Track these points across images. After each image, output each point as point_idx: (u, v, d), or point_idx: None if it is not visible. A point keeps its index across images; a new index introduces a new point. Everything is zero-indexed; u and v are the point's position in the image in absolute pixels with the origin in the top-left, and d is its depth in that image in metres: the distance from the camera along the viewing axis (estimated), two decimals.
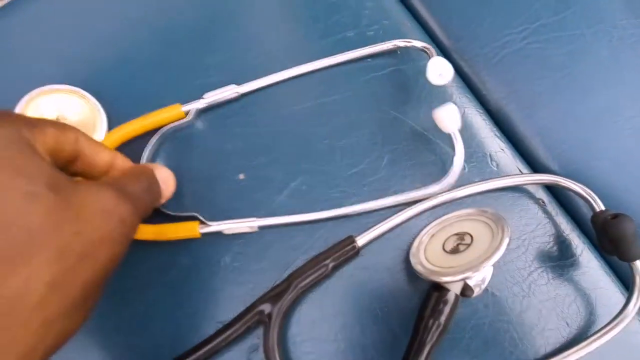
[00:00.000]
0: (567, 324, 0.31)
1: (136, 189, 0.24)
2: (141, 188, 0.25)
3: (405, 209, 0.32)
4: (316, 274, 0.30)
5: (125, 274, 0.31)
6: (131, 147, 0.33)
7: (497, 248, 0.26)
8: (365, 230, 0.31)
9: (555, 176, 0.33)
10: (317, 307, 0.30)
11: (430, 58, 0.33)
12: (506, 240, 0.27)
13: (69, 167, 0.24)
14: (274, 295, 0.29)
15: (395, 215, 0.32)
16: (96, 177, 0.25)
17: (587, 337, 0.29)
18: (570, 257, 0.32)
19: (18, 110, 0.31)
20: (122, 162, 0.26)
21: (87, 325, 0.29)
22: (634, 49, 0.37)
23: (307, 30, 0.37)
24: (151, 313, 0.30)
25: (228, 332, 0.28)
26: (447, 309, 0.28)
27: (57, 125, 0.22)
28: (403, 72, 0.36)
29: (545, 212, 0.33)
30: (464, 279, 0.27)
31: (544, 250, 0.32)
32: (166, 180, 0.28)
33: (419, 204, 0.32)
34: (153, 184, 0.26)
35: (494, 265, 0.29)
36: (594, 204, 0.31)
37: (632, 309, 0.29)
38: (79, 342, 0.30)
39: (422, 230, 0.32)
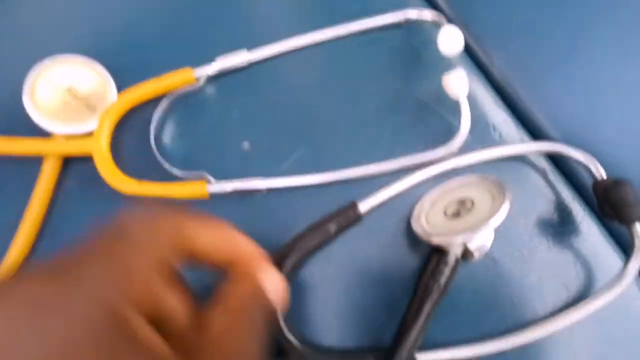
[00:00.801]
0: (567, 289, 0.31)
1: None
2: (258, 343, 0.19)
3: (407, 175, 0.32)
4: (318, 238, 0.30)
5: None
6: (141, 111, 0.33)
7: (497, 211, 0.26)
8: (367, 196, 0.31)
9: (558, 144, 0.32)
10: (320, 270, 0.31)
11: (440, 28, 0.33)
12: (506, 204, 0.27)
13: None
14: (277, 257, 0.29)
15: (398, 181, 0.32)
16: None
17: (587, 299, 0.29)
18: (571, 224, 0.32)
19: (30, 79, 0.31)
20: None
21: None
22: None
23: None
24: None
25: None
26: (447, 271, 0.28)
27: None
28: (408, 43, 0.36)
29: (547, 180, 0.33)
30: (463, 241, 0.27)
31: (545, 218, 0.32)
32: (277, 288, 0.22)
33: (421, 171, 0.32)
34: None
35: (495, 231, 0.29)
36: (595, 171, 0.31)
37: (631, 270, 0.29)
38: None
39: (423, 196, 0.32)
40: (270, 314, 0.21)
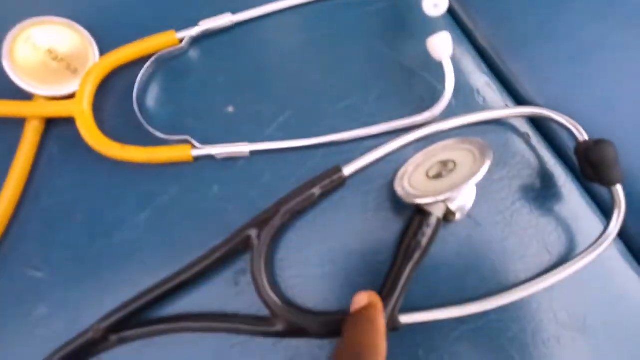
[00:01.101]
0: (548, 251, 0.31)
1: None
2: None
3: (392, 139, 0.32)
4: (303, 201, 0.30)
5: (115, 199, 0.32)
6: (124, 74, 0.33)
7: (478, 171, 0.26)
8: (352, 160, 0.31)
9: (540, 108, 0.32)
10: (304, 234, 0.31)
11: None
12: (487, 163, 0.27)
13: None
14: (261, 220, 0.29)
15: (382, 145, 0.32)
16: None
17: (568, 261, 0.29)
18: (553, 187, 0.33)
19: (9, 40, 0.31)
20: None
21: (77, 254, 0.30)
22: None
23: None
24: (140, 239, 0.31)
25: (216, 255, 0.29)
26: (428, 231, 0.28)
27: None
28: (394, 7, 0.36)
29: (530, 145, 0.33)
30: (444, 201, 0.27)
31: (528, 182, 0.33)
32: None
33: (405, 135, 0.32)
34: None
35: (478, 195, 0.29)
36: (577, 133, 0.31)
37: (611, 232, 0.29)
38: (69, 271, 0.31)
39: (408, 160, 0.32)
40: None
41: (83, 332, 0.28)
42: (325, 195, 0.31)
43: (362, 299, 0.27)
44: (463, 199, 0.28)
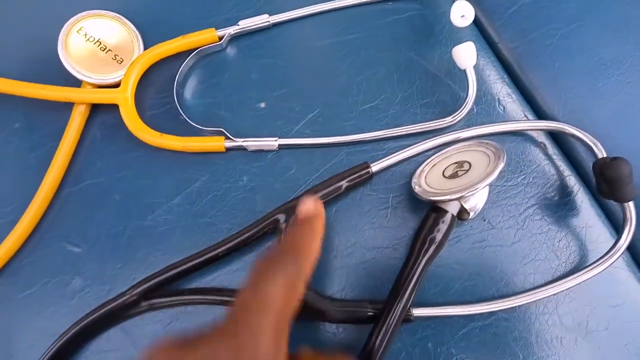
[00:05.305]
0: (557, 256, 0.36)
1: None
2: None
3: (416, 142, 0.37)
4: (330, 192, 0.35)
5: (151, 183, 0.37)
6: (165, 68, 0.39)
7: (492, 172, 0.31)
8: (379, 159, 0.36)
9: (562, 123, 0.37)
10: (329, 224, 0.36)
11: (454, 0, 0.38)
12: (501, 166, 0.31)
13: None
14: (289, 207, 0.34)
15: (409, 147, 0.37)
16: None
17: (582, 268, 0.34)
18: (566, 197, 0.37)
19: (64, 32, 0.37)
20: None
21: (113, 232, 0.36)
22: None
23: None
24: (172, 222, 0.36)
25: (245, 235, 0.34)
26: (443, 227, 0.33)
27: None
28: (423, 16, 0.41)
29: (546, 154, 0.38)
30: (459, 199, 0.32)
31: (542, 189, 0.37)
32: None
33: (430, 140, 0.37)
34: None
35: (493, 199, 0.34)
36: (596, 150, 0.35)
37: (621, 246, 0.34)
38: (105, 248, 0.36)
39: (426, 160, 0.37)
40: None
41: (118, 295, 0.33)
42: (351, 189, 0.36)
43: (309, 203, 0.30)
44: (476, 199, 0.33)
